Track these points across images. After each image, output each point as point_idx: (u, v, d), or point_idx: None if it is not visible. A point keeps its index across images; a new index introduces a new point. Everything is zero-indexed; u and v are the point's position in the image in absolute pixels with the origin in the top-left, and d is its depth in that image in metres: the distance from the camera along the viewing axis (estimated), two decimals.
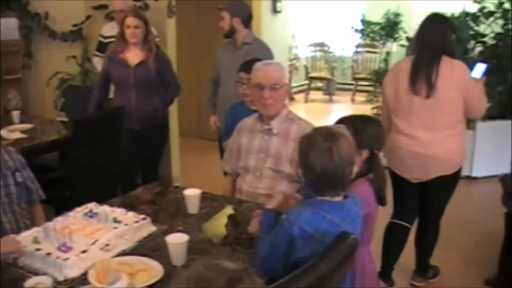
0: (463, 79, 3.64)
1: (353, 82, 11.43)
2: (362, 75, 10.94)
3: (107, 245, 2.37)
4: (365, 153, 2.65)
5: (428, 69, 3.63)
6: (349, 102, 11.31)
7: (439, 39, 3.68)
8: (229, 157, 3.33)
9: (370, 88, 9.75)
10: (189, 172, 6.20)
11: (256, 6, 7.31)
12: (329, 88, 11.67)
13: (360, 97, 11.06)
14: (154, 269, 2.19)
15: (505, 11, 6.65)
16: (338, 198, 2.18)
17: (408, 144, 3.73)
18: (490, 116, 6.53)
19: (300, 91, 11.84)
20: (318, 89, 12.11)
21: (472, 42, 6.81)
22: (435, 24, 3.78)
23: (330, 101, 11.50)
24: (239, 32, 4.65)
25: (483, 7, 6.80)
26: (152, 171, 4.86)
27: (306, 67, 11.65)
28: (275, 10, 7.87)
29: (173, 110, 5.87)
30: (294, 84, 11.66)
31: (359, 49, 11.47)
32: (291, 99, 11.05)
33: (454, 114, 3.69)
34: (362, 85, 10.88)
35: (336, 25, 12.03)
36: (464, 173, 6.35)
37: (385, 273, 4.02)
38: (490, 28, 6.85)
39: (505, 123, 6.59)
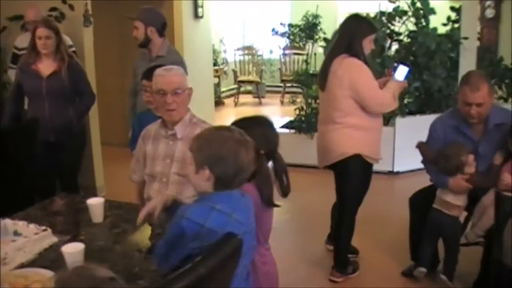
0: (348, 77, 3.84)
1: (282, 84, 11.57)
2: (290, 77, 11.08)
3: (4, 258, 2.34)
4: None
5: (324, 67, 3.99)
6: (278, 104, 11.44)
7: (346, 39, 3.93)
8: (136, 165, 3.30)
9: (299, 90, 9.87)
10: (114, 182, 6.13)
11: (177, 12, 7.32)
12: (259, 91, 11.78)
13: (288, 98, 11.19)
14: (50, 280, 2.17)
15: (417, 10, 6.86)
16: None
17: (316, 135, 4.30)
18: (408, 112, 6.74)
19: (230, 95, 11.90)
20: (248, 92, 12.21)
21: (389, 41, 6.98)
22: (346, 24, 4.03)
23: (260, 104, 11.61)
24: (153, 42, 4.62)
25: (398, 7, 7.00)
26: (71, 182, 4.79)
27: (234, 71, 11.70)
28: (196, 16, 7.87)
29: (94, 119, 5.81)
30: (223, 89, 11.72)
31: (287, 52, 11.61)
32: (221, 103, 11.10)
33: (341, 111, 3.95)
34: (290, 86, 11.01)
35: (263, 28, 12.13)
36: (386, 168, 6.58)
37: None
38: (404, 27, 7.05)
39: (423, 118, 6.77)
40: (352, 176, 4.09)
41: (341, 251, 4.25)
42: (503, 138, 3.64)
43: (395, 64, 4.20)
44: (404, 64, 4.10)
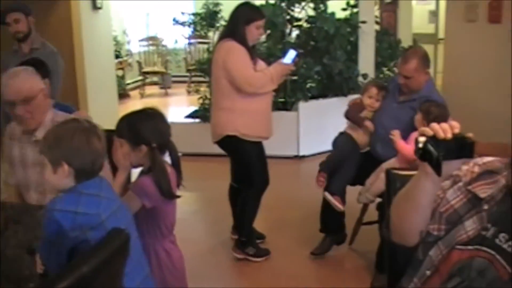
0: (222, 59, 4.03)
1: (188, 74, 11.45)
2: (195, 66, 10.96)
3: None
4: (144, 148, 2.59)
5: (211, 53, 4.19)
6: (184, 94, 11.32)
7: (230, 25, 4.14)
8: (10, 168, 3.05)
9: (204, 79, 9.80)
10: None
11: (74, 3, 7.06)
12: (164, 81, 11.61)
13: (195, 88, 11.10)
14: None
15: None
16: None
17: None
18: (311, 96, 6.81)
19: (136, 87, 11.68)
20: (154, 83, 12.02)
21: (289, 27, 7.02)
22: (233, 11, 4.15)
23: (166, 94, 11.46)
24: (32, 34, 4.45)
25: None
26: None
27: (139, 63, 11.47)
28: (95, 7, 7.63)
29: None
30: (128, 81, 11.48)
31: (191, 41, 11.50)
32: (126, 96, 10.87)
33: (219, 92, 4.14)
34: (196, 75, 10.90)
35: (167, 18, 11.95)
36: (291, 152, 6.64)
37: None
38: (304, 12, 7.10)
39: (325, 101, 6.89)
40: (237, 156, 4.30)
41: (240, 228, 4.31)
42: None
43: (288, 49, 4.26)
44: (294, 49, 4.23)
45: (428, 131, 1.61)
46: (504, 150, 1.77)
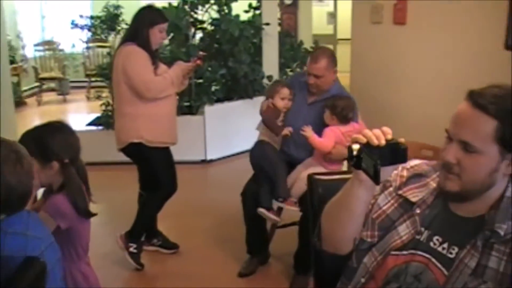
0: (122, 63, 3.92)
1: (87, 79, 11.09)
2: (95, 71, 10.62)
3: None
4: (55, 165, 2.39)
5: (113, 58, 4.07)
6: (84, 100, 10.96)
7: (133, 28, 4.03)
8: None
9: (104, 84, 9.51)
10: None
11: None
12: (62, 87, 11.17)
13: (94, 94, 10.76)
14: None
15: None
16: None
17: None
18: (216, 99, 6.74)
19: (32, 94, 11.17)
20: (51, 90, 11.55)
21: (193, 30, 6.92)
22: (135, 15, 4.06)
23: (65, 101, 11.03)
24: None
25: None
26: None
27: (35, 68, 10.97)
28: None
29: None
30: (24, 88, 10.96)
31: (90, 45, 11.16)
32: (23, 103, 10.38)
33: (120, 98, 4.03)
34: (95, 81, 10.56)
35: (63, 22, 11.53)
36: (199, 157, 6.55)
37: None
38: (208, 14, 7.03)
39: (231, 104, 6.85)
40: (144, 164, 4.17)
41: (137, 226, 4.17)
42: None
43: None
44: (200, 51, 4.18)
45: (362, 138, 1.58)
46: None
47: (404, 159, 1.60)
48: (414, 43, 4.36)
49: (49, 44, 11.34)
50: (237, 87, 6.86)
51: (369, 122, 3.90)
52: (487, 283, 1.53)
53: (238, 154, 6.73)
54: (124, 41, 4.03)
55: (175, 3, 6.94)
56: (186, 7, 6.89)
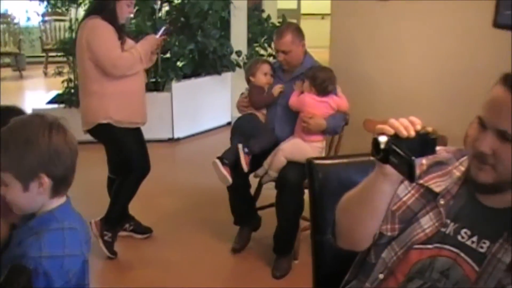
0: (86, 38, 3.70)
1: (44, 54, 10.67)
2: (53, 46, 10.22)
3: None
4: None
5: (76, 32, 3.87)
6: (41, 76, 10.54)
7: (97, 2, 3.81)
8: None
9: (64, 59, 9.14)
10: None
11: None
12: (18, 63, 10.72)
13: (52, 69, 10.35)
14: None
15: None
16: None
17: None
18: (184, 75, 6.53)
19: None
20: (7, 65, 11.08)
21: (159, 2, 6.65)
22: None
23: (21, 77, 10.57)
24: None
25: None
26: None
27: None
28: None
29: None
30: None
31: (47, 18, 10.72)
32: None
33: (85, 76, 3.80)
34: (54, 56, 10.17)
35: None
36: (166, 135, 6.36)
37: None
38: None
39: (199, 80, 6.65)
40: (114, 144, 3.95)
41: (113, 212, 3.97)
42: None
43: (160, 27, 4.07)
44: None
45: (389, 129, 1.42)
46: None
47: (433, 150, 1.45)
48: (398, 20, 4.24)
49: (3, 17, 10.83)
50: (205, 63, 6.64)
51: (350, 98, 3.80)
52: None
53: (206, 131, 6.56)
54: (88, 14, 3.79)
55: None
56: None
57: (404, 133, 1.41)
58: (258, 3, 9.18)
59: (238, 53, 6.63)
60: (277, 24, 8.13)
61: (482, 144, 1.44)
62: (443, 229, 1.55)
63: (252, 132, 3.81)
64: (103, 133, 3.86)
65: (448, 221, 1.55)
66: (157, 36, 3.98)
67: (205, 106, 6.54)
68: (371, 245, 1.65)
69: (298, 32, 3.84)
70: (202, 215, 4.49)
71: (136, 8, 6.35)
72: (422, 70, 4.07)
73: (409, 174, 1.38)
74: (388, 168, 1.44)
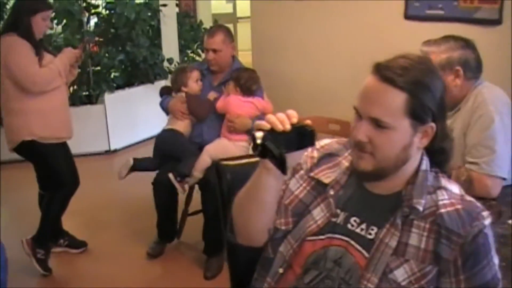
0: (3, 56, 3.65)
1: None
2: None
3: None
4: None
5: None
6: None
7: (12, 17, 3.78)
8: None
9: None
10: None
11: None
12: None
13: None
14: None
15: None
16: None
17: None
18: (117, 86, 6.51)
19: None
20: None
21: (87, 15, 6.60)
22: (16, 2, 3.89)
23: None
24: None
25: None
26: None
27: None
28: None
29: None
30: None
31: None
32: None
33: (6, 93, 3.74)
34: None
35: None
36: (102, 148, 6.32)
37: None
38: None
39: (132, 90, 6.64)
40: (41, 160, 3.89)
41: (44, 229, 3.92)
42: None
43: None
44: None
45: (265, 124, 1.48)
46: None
47: (312, 142, 1.52)
48: (315, 17, 4.34)
49: None
50: (138, 72, 6.63)
51: (275, 100, 3.87)
52: (409, 261, 1.49)
53: (143, 141, 6.53)
54: (4, 31, 3.73)
55: None
56: None
57: (279, 127, 1.46)
58: (190, 9, 9.21)
59: (170, 60, 6.64)
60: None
61: (359, 133, 1.51)
62: (333, 219, 1.60)
63: (177, 154, 3.83)
64: (29, 151, 3.82)
65: (338, 211, 1.61)
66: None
67: (140, 115, 6.51)
68: (268, 240, 1.70)
69: (229, 34, 3.92)
70: (137, 226, 4.47)
71: (64, 22, 6.31)
72: (339, 66, 4.18)
73: (281, 167, 1.45)
74: (269, 163, 1.50)
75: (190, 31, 7.56)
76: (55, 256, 4.04)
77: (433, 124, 1.51)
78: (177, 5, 7.83)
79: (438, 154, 1.61)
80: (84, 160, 4.24)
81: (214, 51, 3.83)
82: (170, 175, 3.72)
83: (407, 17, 3.71)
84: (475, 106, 2.60)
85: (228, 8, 12.16)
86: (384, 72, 1.48)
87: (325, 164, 1.70)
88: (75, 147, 4.03)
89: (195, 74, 3.91)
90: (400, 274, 1.48)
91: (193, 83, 3.88)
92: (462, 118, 2.65)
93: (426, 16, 3.60)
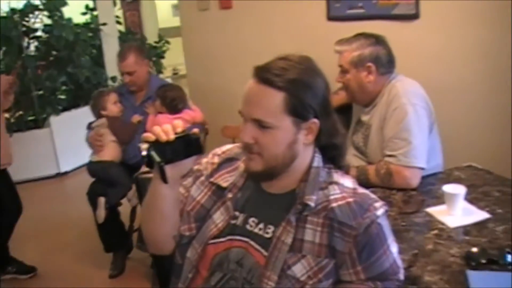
0: None
1: None
2: None
3: None
4: None
5: None
6: None
7: None
8: None
9: None
10: None
11: None
12: None
13: None
14: None
15: (49, 2, 6.51)
16: None
17: None
18: (62, 108, 6.48)
19: None
20: None
21: (26, 39, 6.56)
22: None
23: None
24: None
25: (28, 2, 6.57)
26: None
27: None
28: None
29: None
30: None
31: None
32: None
33: None
34: None
35: None
36: (52, 171, 6.27)
37: None
38: (40, 22, 6.69)
39: (78, 111, 6.59)
40: None
41: None
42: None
43: None
44: None
45: (150, 136, 1.53)
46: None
47: (199, 150, 1.57)
48: (242, 26, 4.38)
49: None
50: (82, 93, 6.61)
51: (209, 109, 3.91)
52: (306, 256, 1.53)
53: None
54: None
55: (3, 14, 6.52)
56: (16, 16, 6.49)
57: (163, 137, 1.52)
58: (136, 26, 9.23)
59: (113, 79, 6.63)
60: (154, 44, 8.22)
61: (244, 135, 1.57)
62: (233, 221, 1.66)
63: (109, 181, 3.85)
64: None
65: (237, 213, 1.66)
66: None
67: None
68: (176, 247, 1.74)
69: (140, 52, 3.95)
70: (88, 246, 4.45)
71: (4, 48, 6.26)
72: None
73: (162, 176, 1.50)
74: (156, 173, 1.55)
75: None
76: (5, 283, 4.02)
77: (315, 120, 1.56)
78: (120, 22, 7.83)
79: (331, 150, 1.67)
80: (35, 184, 4.22)
81: (129, 73, 3.86)
82: (102, 200, 3.76)
83: (330, 18, 3.77)
84: (390, 100, 2.68)
85: (175, 22, 12.12)
86: (262, 74, 1.54)
87: (225, 169, 1.76)
88: (24, 173, 4.03)
89: (113, 97, 3.92)
90: (298, 270, 1.53)
91: (112, 106, 3.90)
92: (379, 112, 2.73)
93: (347, 16, 3.66)
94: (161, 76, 8.27)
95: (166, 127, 1.53)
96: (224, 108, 4.45)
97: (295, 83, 1.52)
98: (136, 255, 4.14)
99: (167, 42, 8.78)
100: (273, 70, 1.53)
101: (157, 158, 1.49)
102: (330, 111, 1.62)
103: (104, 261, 4.12)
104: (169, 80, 8.49)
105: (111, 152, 3.90)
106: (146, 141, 1.53)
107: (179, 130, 1.54)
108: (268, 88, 1.52)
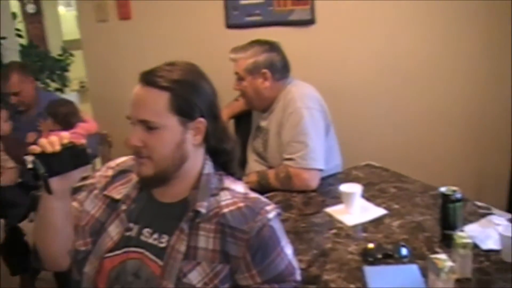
0: None
1: None
2: None
3: None
4: None
5: None
6: None
7: None
8: None
9: None
10: None
11: None
12: None
13: None
14: None
15: None
16: None
17: None
18: None
19: None
20: None
21: None
22: None
23: None
24: None
25: None
26: None
27: None
28: None
29: None
30: None
31: None
32: None
33: None
34: None
35: None
36: None
37: None
38: None
39: None
40: None
41: None
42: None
43: None
44: None
45: (36, 148, 1.50)
46: None
47: (87, 161, 1.57)
48: (142, 37, 4.34)
49: None
50: None
51: (112, 120, 3.81)
52: (201, 263, 1.54)
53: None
54: None
55: None
56: None
57: (49, 148, 1.49)
58: (39, 39, 9.00)
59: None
60: (57, 57, 8.05)
61: (132, 138, 1.56)
62: (127, 233, 1.63)
63: (6, 204, 3.70)
64: None
65: (132, 225, 1.64)
66: None
67: None
68: (72, 263, 1.71)
69: (24, 70, 3.80)
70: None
71: None
72: None
73: (46, 188, 1.49)
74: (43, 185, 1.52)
75: (37, 61, 7.37)
76: None
77: (202, 120, 1.58)
78: (21, 36, 7.61)
79: (222, 156, 1.68)
80: None
81: (15, 94, 3.71)
82: (2, 222, 3.65)
83: (229, 26, 3.79)
84: (285, 104, 2.73)
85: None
86: (147, 77, 1.56)
87: (118, 181, 1.74)
88: None
89: (3, 114, 3.72)
90: (194, 277, 1.53)
91: (3, 124, 3.70)
92: (276, 117, 2.78)
93: (245, 23, 3.70)
94: (67, 89, 8.13)
95: (52, 139, 1.51)
96: (127, 120, 4.39)
97: (179, 83, 1.55)
98: (47, 275, 4.02)
99: (71, 55, 8.56)
100: (157, 73, 1.56)
101: (41, 169, 1.46)
102: (217, 115, 1.64)
103: (12, 284, 3.99)
104: (75, 94, 8.39)
105: (7, 177, 3.74)
106: (32, 154, 1.49)
107: (65, 141, 1.52)
108: (153, 89, 1.54)
